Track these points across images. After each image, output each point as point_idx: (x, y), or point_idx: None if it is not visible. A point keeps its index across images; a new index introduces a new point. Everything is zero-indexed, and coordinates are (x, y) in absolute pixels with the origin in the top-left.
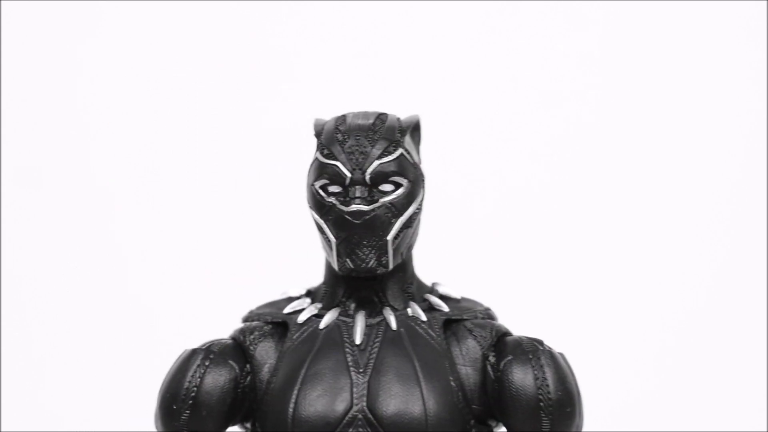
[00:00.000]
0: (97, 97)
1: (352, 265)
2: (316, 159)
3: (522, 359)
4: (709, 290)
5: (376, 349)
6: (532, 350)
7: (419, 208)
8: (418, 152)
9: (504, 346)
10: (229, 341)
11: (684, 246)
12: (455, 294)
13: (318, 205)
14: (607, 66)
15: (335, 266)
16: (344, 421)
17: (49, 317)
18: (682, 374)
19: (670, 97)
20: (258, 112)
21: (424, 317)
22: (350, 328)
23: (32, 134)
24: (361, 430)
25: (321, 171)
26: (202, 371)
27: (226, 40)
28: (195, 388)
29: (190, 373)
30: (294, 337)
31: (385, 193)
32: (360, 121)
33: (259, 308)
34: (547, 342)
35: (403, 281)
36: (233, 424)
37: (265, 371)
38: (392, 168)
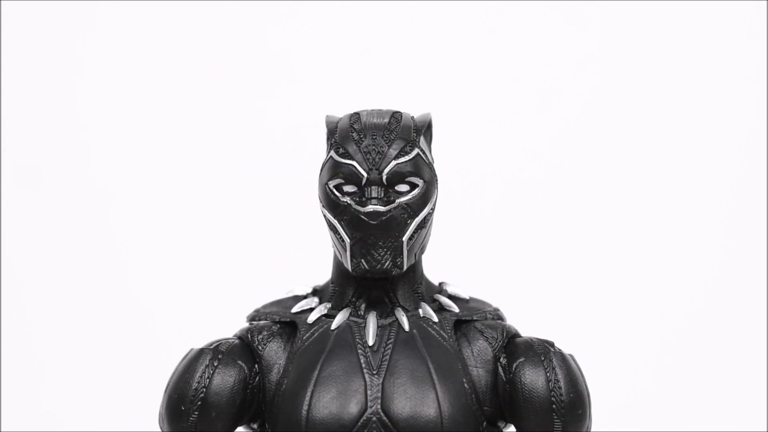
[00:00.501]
0: (97, 97)
1: (367, 266)
2: (331, 158)
3: (534, 361)
4: (709, 290)
5: (389, 351)
6: (544, 352)
7: (433, 209)
8: (430, 151)
9: (515, 348)
10: (236, 341)
11: (684, 246)
12: (464, 294)
13: (332, 204)
14: (609, 66)
15: (348, 266)
16: (359, 424)
17: (49, 317)
18: (682, 374)
19: (670, 97)
20: (259, 111)
21: (435, 318)
22: (362, 329)
23: (32, 134)
24: (384, 430)
25: (336, 170)
26: (211, 371)
27: (227, 39)
28: (204, 389)
29: (199, 374)
30: (304, 337)
31: (401, 194)
32: (375, 120)
33: (265, 307)
34: (558, 343)
35: (413, 281)
36: (241, 425)
37: (275, 372)
38: (409, 168)
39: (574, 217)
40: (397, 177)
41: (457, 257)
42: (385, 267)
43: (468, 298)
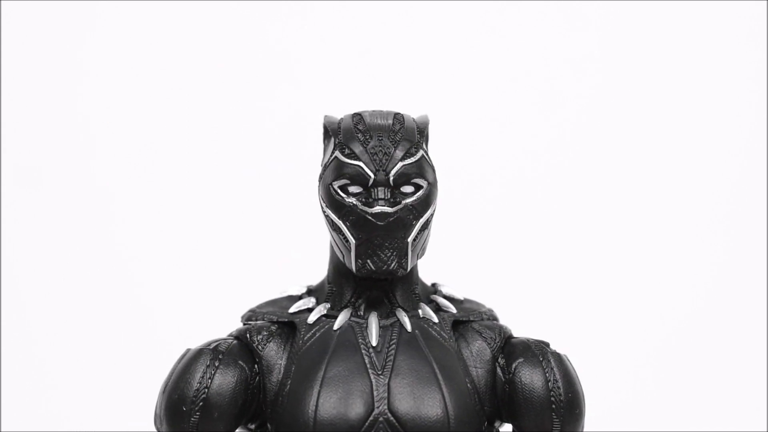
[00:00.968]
0: (98, 97)
1: (373, 267)
2: (335, 158)
3: (533, 361)
4: (709, 290)
5: (392, 351)
6: (542, 352)
7: (434, 210)
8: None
9: (513, 348)
10: (235, 341)
11: (684, 246)
12: (458, 295)
13: (337, 205)
14: (608, 66)
15: (352, 267)
16: (366, 424)
17: (49, 317)
18: (681, 374)
19: (670, 97)
20: (258, 112)
21: (435, 319)
22: (364, 330)
23: (32, 134)
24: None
25: (342, 170)
26: (213, 372)
27: (227, 39)
28: (206, 389)
29: (200, 374)
30: (305, 338)
31: (406, 195)
32: (380, 121)
33: (260, 307)
34: (553, 344)
35: (411, 282)
36: (240, 425)
37: (276, 372)
38: (414, 170)
39: (574, 217)
40: (403, 178)
41: (453, 257)
42: (391, 268)
43: (462, 299)
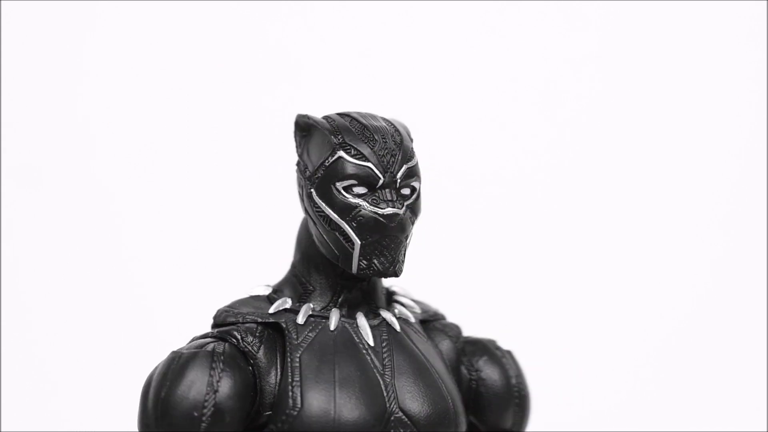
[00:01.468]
0: (98, 97)
1: (380, 268)
2: (340, 158)
3: (495, 359)
4: (709, 290)
5: (388, 350)
6: (500, 350)
7: None
8: None
9: (474, 346)
10: (224, 344)
11: (684, 246)
12: (413, 296)
13: (341, 206)
14: (608, 66)
15: (353, 268)
16: (383, 423)
17: (49, 317)
18: (681, 374)
19: (670, 97)
20: (258, 112)
21: (412, 318)
22: (356, 330)
23: (32, 134)
24: (402, 430)
25: (348, 171)
26: (219, 375)
27: (227, 39)
28: (215, 394)
29: (206, 378)
30: (299, 339)
31: (405, 197)
32: (376, 123)
33: (235, 308)
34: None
35: (381, 284)
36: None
37: (273, 374)
38: (414, 172)
39: (574, 217)
40: (405, 180)
41: (452, 259)
42: (396, 268)
43: (418, 300)
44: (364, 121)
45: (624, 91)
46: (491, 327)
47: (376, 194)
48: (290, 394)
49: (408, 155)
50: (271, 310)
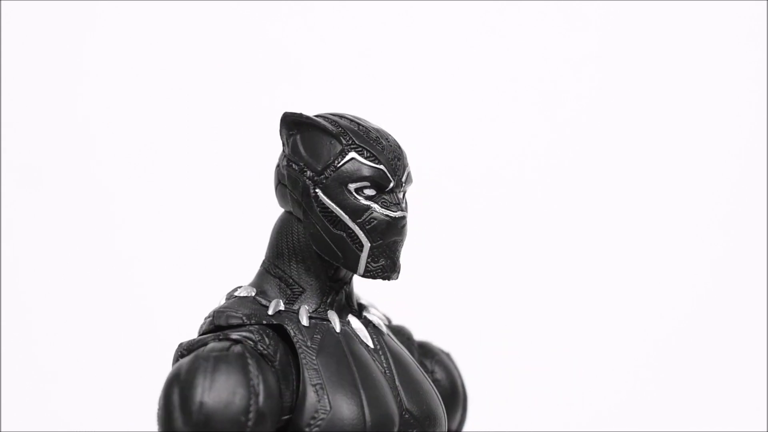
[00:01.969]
0: (98, 97)
1: (389, 270)
2: (353, 160)
3: (443, 360)
4: (709, 290)
5: (382, 352)
6: (443, 351)
7: None
8: None
9: (425, 349)
10: (240, 347)
11: (684, 246)
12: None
13: (353, 207)
14: (608, 66)
15: (359, 270)
16: (401, 422)
17: (49, 317)
18: (681, 374)
19: (670, 97)
20: (257, 111)
21: (385, 320)
22: (353, 332)
23: (32, 134)
24: (415, 429)
25: (361, 173)
26: (257, 379)
27: (227, 39)
28: (256, 397)
29: (248, 382)
30: (309, 341)
31: (402, 200)
32: (374, 126)
33: (233, 310)
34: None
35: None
36: None
37: (290, 375)
38: (411, 176)
39: (574, 217)
40: (406, 184)
41: (450, 261)
42: (397, 270)
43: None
44: (364, 124)
45: (624, 91)
46: (491, 327)
47: (384, 197)
48: (317, 396)
49: (407, 159)
50: (270, 312)
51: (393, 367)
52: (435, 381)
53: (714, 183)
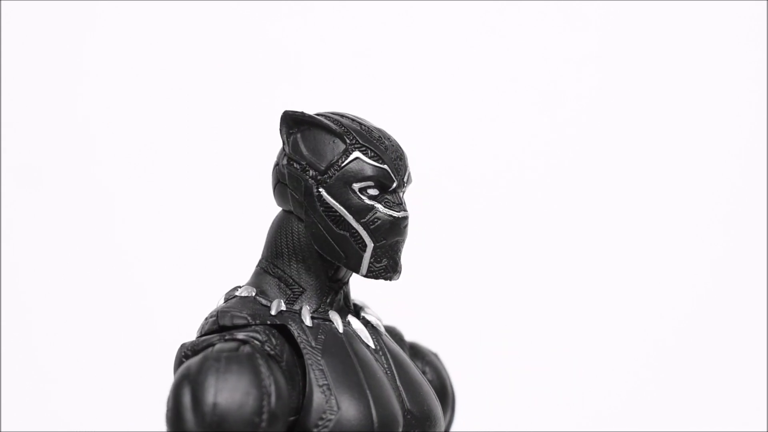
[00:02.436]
0: (98, 97)
1: (392, 269)
2: (358, 159)
3: (433, 361)
4: (709, 290)
5: (382, 352)
6: (432, 353)
7: None
8: None
9: (415, 350)
10: (248, 347)
11: (684, 246)
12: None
13: (358, 207)
14: (608, 66)
15: (362, 270)
16: (404, 423)
17: (49, 317)
18: (681, 374)
19: (670, 97)
20: (257, 112)
21: (382, 321)
22: (354, 332)
23: (32, 134)
24: (417, 429)
25: (366, 173)
26: (269, 380)
27: (227, 39)
28: (269, 398)
29: (261, 383)
30: (313, 341)
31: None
32: (374, 125)
33: (233, 308)
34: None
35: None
36: None
37: (296, 375)
38: (410, 177)
39: (574, 217)
40: (406, 185)
41: (449, 260)
42: (399, 270)
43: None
44: (365, 123)
45: (624, 91)
46: (491, 327)
47: (387, 197)
48: (324, 397)
49: (407, 160)
50: (273, 312)
51: (393, 368)
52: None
53: (714, 183)
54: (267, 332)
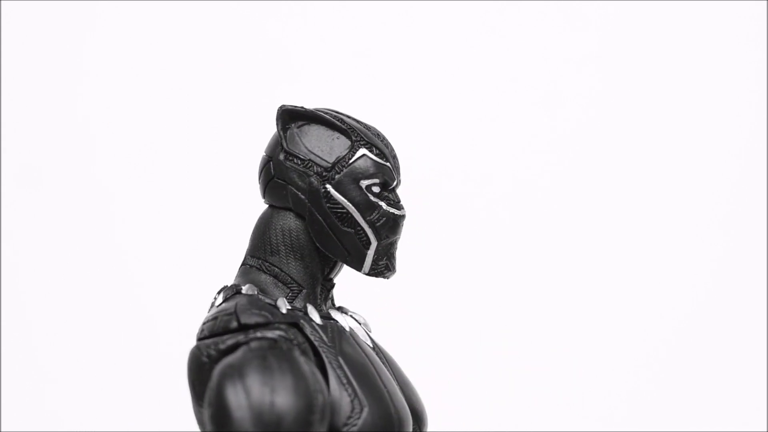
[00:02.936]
0: (98, 97)
1: (392, 268)
2: (365, 156)
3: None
4: (709, 291)
5: (378, 351)
6: None
7: None
8: None
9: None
10: (288, 344)
11: (684, 246)
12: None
13: (366, 204)
14: (608, 66)
15: (365, 268)
16: (413, 419)
17: (49, 317)
18: (681, 374)
19: (670, 97)
20: (257, 112)
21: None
22: (352, 331)
23: (32, 134)
24: (416, 427)
25: (373, 170)
26: (315, 376)
27: (227, 39)
28: (318, 394)
29: (309, 379)
30: (328, 340)
31: None
32: (370, 124)
33: (252, 306)
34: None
35: None
36: None
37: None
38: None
39: (574, 217)
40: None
41: (450, 255)
42: (395, 269)
43: None
44: (361, 120)
45: (624, 91)
46: (490, 326)
47: (388, 195)
48: (348, 396)
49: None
50: (283, 310)
51: (390, 367)
52: None
53: (714, 183)
54: (290, 330)
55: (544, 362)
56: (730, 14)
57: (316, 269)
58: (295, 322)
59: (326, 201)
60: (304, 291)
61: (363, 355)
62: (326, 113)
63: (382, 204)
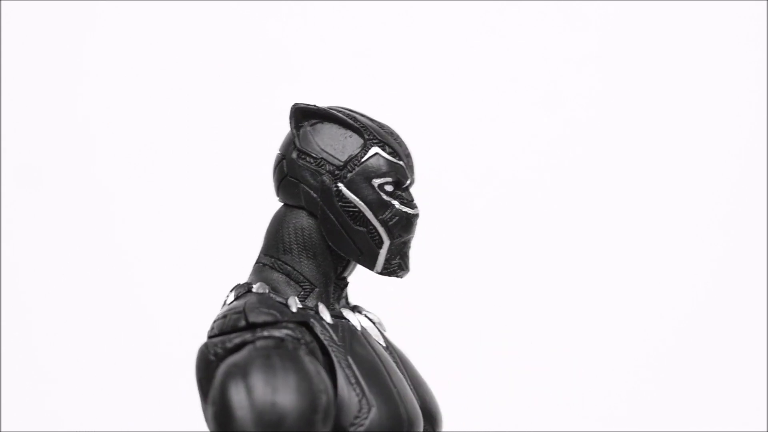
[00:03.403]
0: (98, 97)
1: (406, 267)
2: (377, 155)
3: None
4: (709, 291)
5: (389, 349)
6: None
7: None
8: None
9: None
10: (294, 343)
11: (684, 246)
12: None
13: (379, 203)
14: (608, 66)
15: (377, 267)
16: (423, 419)
17: (49, 317)
18: (681, 374)
19: (670, 97)
20: (257, 112)
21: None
22: (364, 330)
23: (32, 134)
24: (428, 427)
25: (386, 169)
26: (320, 376)
27: (226, 39)
28: (321, 394)
29: (313, 379)
30: (337, 339)
31: None
32: (382, 122)
33: (263, 304)
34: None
35: None
36: None
37: (327, 373)
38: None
39: (575, 217)
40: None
41: (455, 255)
42: (408, 268)
43: None
44: (374, 119)
45: (624, 91)
46: (490, 326)
47: (402, 194)
48: (356, 395)
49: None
50: (294, 309)
51: (403, 366)
52: None
53: (714, 183)
54: (298, 329)
55: (544, 362)
56: (730, 14)
57: (329, 268)
58: (304, 320)
59: (338, 199)
60: (317, 290)
61: (374, 354)
62: (339, 111)
63: (395, 203)
